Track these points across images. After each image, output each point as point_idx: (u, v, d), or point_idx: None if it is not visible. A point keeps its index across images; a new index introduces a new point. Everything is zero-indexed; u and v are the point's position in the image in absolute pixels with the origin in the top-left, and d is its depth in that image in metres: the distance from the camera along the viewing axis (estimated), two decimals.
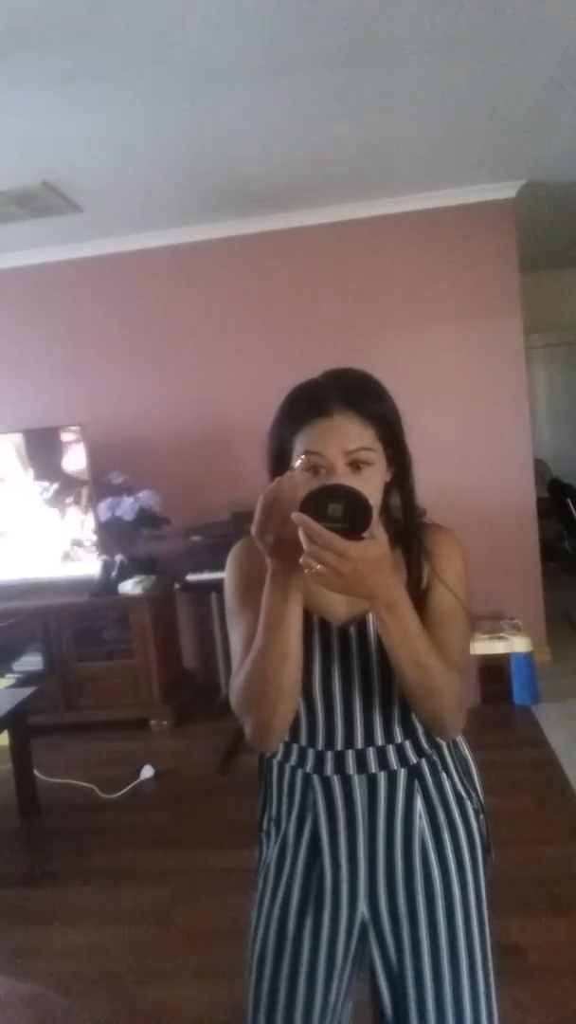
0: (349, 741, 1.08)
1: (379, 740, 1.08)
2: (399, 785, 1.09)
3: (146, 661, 3.78)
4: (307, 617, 1.04)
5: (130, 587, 3.80)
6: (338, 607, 1.07)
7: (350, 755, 1.07)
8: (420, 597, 1.05)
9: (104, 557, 3.91)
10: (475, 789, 1.18)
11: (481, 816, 1.16)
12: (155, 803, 3.08)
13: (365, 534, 0.85)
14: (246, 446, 4.25)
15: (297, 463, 1.01)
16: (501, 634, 3.72)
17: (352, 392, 1.04)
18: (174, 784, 3.19)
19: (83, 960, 2.16)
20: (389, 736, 1.08)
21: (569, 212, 4.49)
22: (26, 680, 3.79)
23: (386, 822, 1.09)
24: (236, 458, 4.18)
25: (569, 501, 5.81)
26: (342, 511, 0.85)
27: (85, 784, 3.21)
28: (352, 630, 1.06)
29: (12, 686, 3.66)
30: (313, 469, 1.00)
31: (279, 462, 1.06)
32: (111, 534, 3.93)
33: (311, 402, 1.03)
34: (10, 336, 4.37)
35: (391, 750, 1.08)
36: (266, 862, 1.15)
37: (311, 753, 1.09)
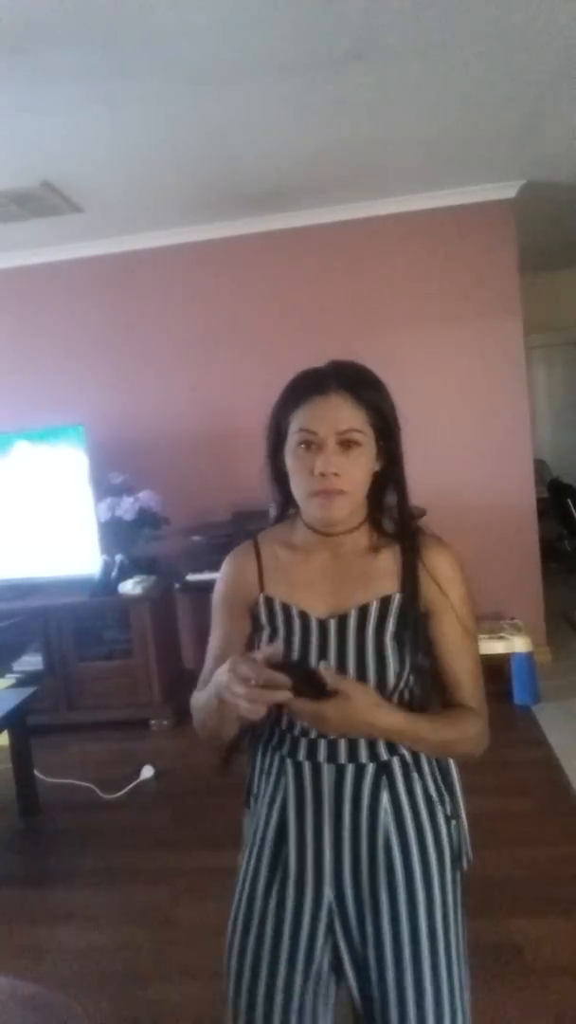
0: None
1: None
2: (366, 779, 1.10)
3: (146, 661, 3.78)
4: (289, 610, 1.13)
5: (130, 587, 3.80)
6: (319, 602, 1.12)
7: (322, 743, 1.10)
8: (425, 616, 1.11)
9: (104, 557, 3.91)
10: (451, 795, 1.17)
11: (454, 822, 1.15)
12: (155, 803, 3.08)
13: (329, 687, 0.94)
14: (246, 446, 4.24)
15: (291, 440, 1.09)
16: (501, 634, 3.72)
17: (349, 377, 1.09)
18: (174, 784, 3.19)
19: (83, 960, 2.16)
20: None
21: (569, 212, 4.49)
22: (26, 680, 3.79)
23: (351, 813, 1.10)
24: (236, 458, 4.18)
25: (569, 501, 5.81)
26: (307, 681, 0.94)
27: (85, 784, 3.21)
28: (332, 624, 1.10)
29: (12, 686, 3.66)
30: (306, 444, 1.07)
31: (276, 441, 1.13)
32: (111, 534, 3.93)
33: (310, 383, 1.10)
34: (10, 336, 4.37)
35: (362, 744, 1.10)
36: (245, 836, 1.20)
37: (288, 737, 1.13)
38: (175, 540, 4.07)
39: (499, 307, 4.05)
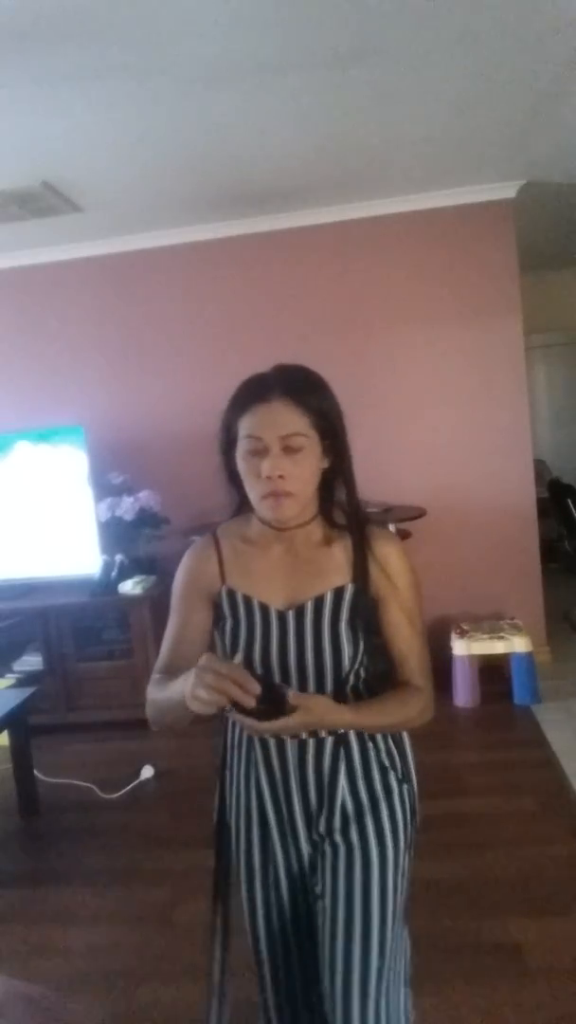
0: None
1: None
2: (325, 751, 1.22)
3: (146, 661, 3.78)
4: (250, 601, 1.21)
5: (130, 587, 3.80)
6: (277, 594, 1.21)
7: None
8: (374, 602, 1.21)
9: (104, 557, 3.91)
10: (403, 759, 1.28)
11: (405, 786, 1.27)
12: (155, 803, 3.08)
13: (289, 704, 1.01)
14: None
15: (240, 445, 1.16)
16: (501, 634, 3.72)
17: (291, 383, 1.15)
18: (174, 784, 3.19)
19: (83, 960, 2.16)
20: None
21: (569, 212, 4.49)
22: (26, 680, 3.79)
23: (315, 782, 1.23)
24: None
25: (569, 501, 5.81)
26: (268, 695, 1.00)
27: (85, 784, 3.21)
28: (290, 614, 1.19)
29: (12, 686, 3.66)
30: (253, 450, 1.13)
31: (228, 443, 1.21)
32: (111, 534, 3.93)
33: (254, 390, 1.16)
34: (10, 336, 4.37)
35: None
36: (228, 799, 1.33)
37: None
38: (175, 540, 4.06)
39: (499, 307, 4.05)
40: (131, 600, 3.79)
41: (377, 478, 4.05)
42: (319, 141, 3.15)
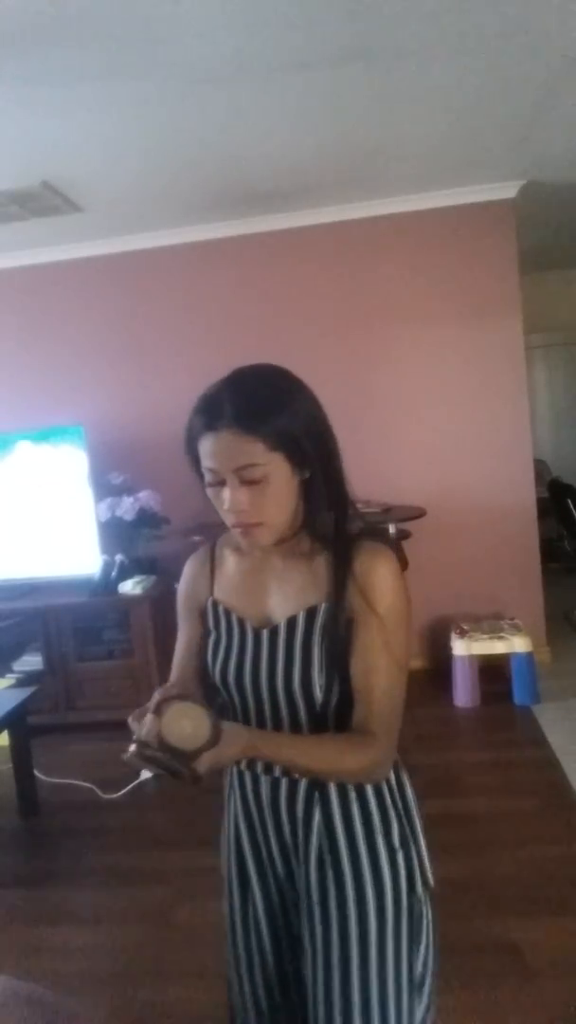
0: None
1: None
2: (299, 794, 1.10)
3: (146, 661, 3.78)
4: (230, 616, 1.13)
5: (130, 587, 3.80)
6: (255, 611, 1.12)
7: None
8: (348, 627, 1.04)
9: (104, 557, 3.91)
10: (401, 820, 1.11)
11: (401, 853, 1.09)
12: (155, 803, 3.08)
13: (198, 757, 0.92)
14: None
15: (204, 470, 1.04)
16: (501, 634, 3.72)
17: (240, 405, 0.99)
18: (174, 784, 3.18)
19: (83, 960, 2.16)
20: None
21: (569, 212, 4.49)
22: (26, 680, 3.79)
23: (289, 827, 1.11)
24: None
25: (569, 501, 5.81)
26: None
27: (85, 784, 3.21)
28: (264, 634, 1.09)
29: (12, 686, 3.66)
30: (212, 482, 1.04)
31: (196, 464, 1.06)
32: (111, 534, 3.93)
33: (203, 414, 1.02)
34: (10, 336, 4.37)
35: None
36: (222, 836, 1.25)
37: None
38: (175, 540, 4.06)
39: (499, 307, 4.05)
40: (131, 600, 3.79)
41: (377, 478, 4.08)
42: (319, 141, 3.15)
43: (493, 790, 2.89)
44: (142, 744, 0.94)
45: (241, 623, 1.12)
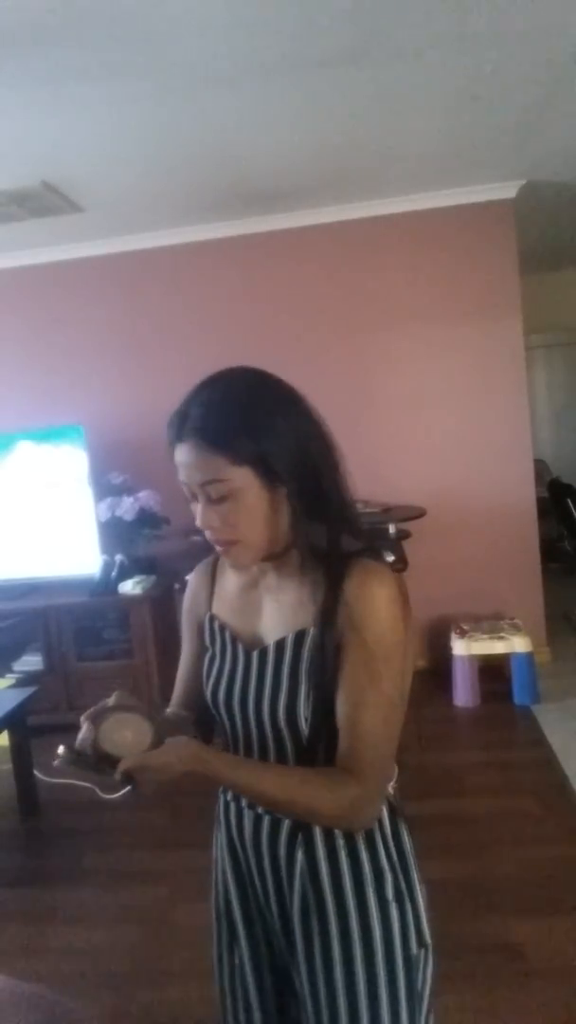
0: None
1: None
2: (281, 833, 1.02)
3: (146, 661, 3.78)
4: (224, 633, 1.07)
5: (130, 587, 3.80)
6: (248, 630, 1.05)
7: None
8: (337, 654, 0.95)
9: (104, 557, 3.91)
10: (396, 872, 1.01)
11: (394, 906, 0.99)
12: (155, 803, 3.07)
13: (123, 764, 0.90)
14: None
15: None
16: (501, 634, 3.72)
17: (200, 417, 0.95)
18: (174, 784, 3.19)
19: (83, 960, 2.16)
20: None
21: (569, 212, 4.49)
22: (26, 680, 3.79)
23: (271, 867, 1.04)
24: None
25: (569, 501, 5.82)
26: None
27: (85, 784, 3.21)
28: (255, 655, 1.02)
29: (12, 686, 3.66)
30: (187, 496, 1.00)
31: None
32: (111, 534, 3.93)
33: (170, 426, 0.99)
34: (10, 336, 4.37)
35: None
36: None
37: None
38: (175, 540, 4.06)
39: (499, 307, 4.05)
40: (131, 600, 3.79)
41: (377, 478, 4.08)
42: (319, 141, 3.15)
43: (493, 790, 2.89)
44: (74, 751, 0.90)
45: (234, 642, 1.05)
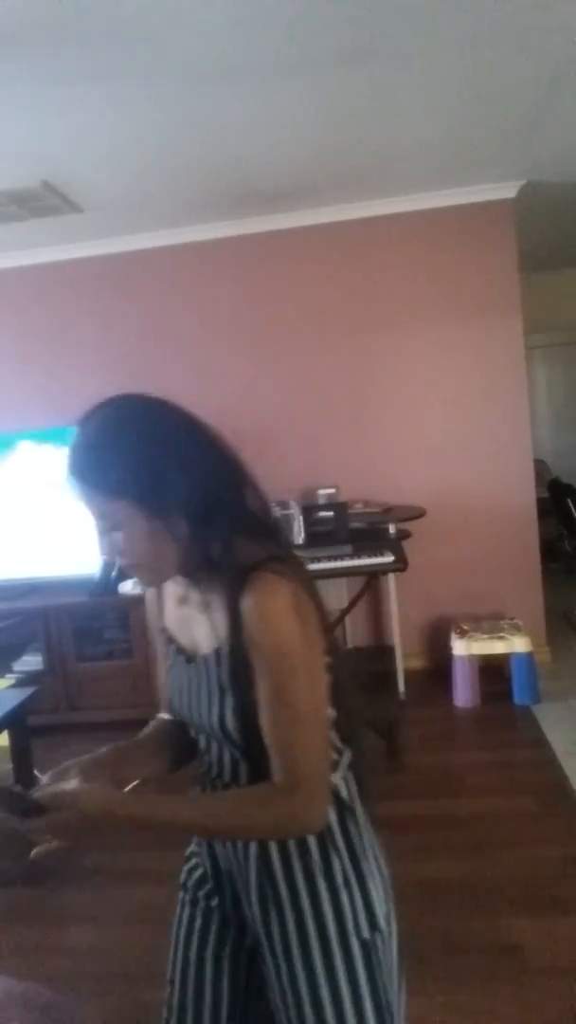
0: (208, 766, 1.09)
1: (226, 776, 1.05)
2: None
3: (146, 661, 3.78)
4: (172, 642, 1.10)
5: (130, 587, 3.80)
6: (187, 642, 1.07)
7: (207, 780, 1.10)
8: (248, 668, 0.96)
9: (104, 557, 3.90)
10: (341, 860, 1.03)
11: (344, 892, 1.02)
12: None
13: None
14: (246, 446, 4.23)
15: None
16: (501, 634, 3.72)
17: (71, 457, 1.00)
18: (174, 784, 3.19)
19: (83, 960, 2.16)
20: (235, 775, 1.04)
21: (569, 212, 4.49)
22: (26, 680, 3.79)
23: (233, 855, 1.09)
24: None
25: (569, 501, 5.81)
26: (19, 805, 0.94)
27: None
28: (193, 667, 1.04)
29: (12, 686, 3.66)
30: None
31: None
32: None
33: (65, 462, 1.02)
34: (10, 336, 4.37)
35: (208, 781, 1.09)
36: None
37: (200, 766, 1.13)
38: None
39: (499, 307, 4.05)
40: (131, 600, 3.79)
41: (377, 478, 4.08)
42: (319, 141, 3.15)
43: (493, 790, 2.89)
44: (7, 791, 0.94)
45: (179, 652, 1.08)
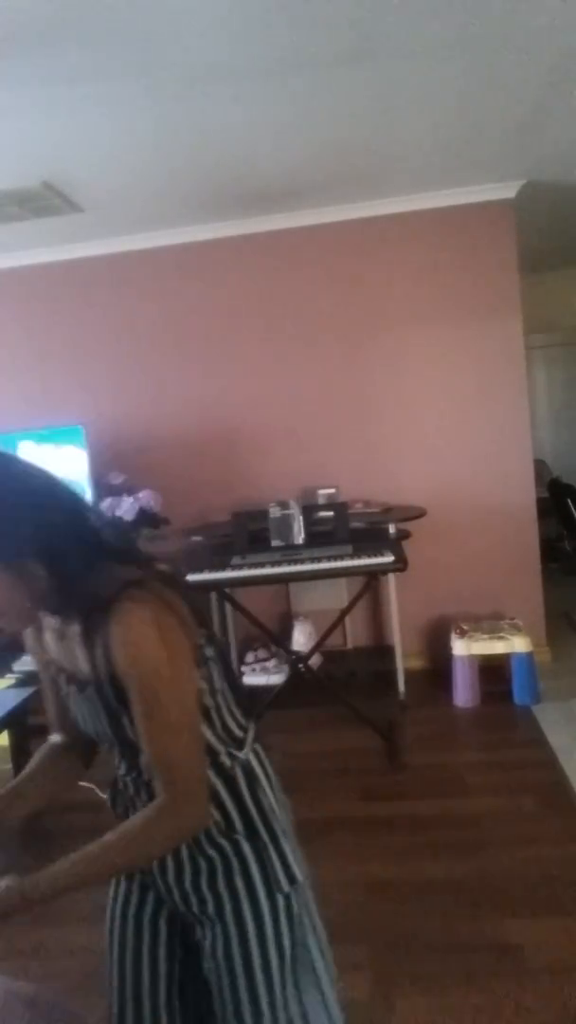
0: (123, 784, 1.19)
1: (141, 787, 1.14)
2: (141, 798, 1.15)
3: None
4: (60, 673, 1.14)
5: None
6: (71, 668, 1.11)
7: (121, 799, 1.21)
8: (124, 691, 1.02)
9: None
10: (231, 817, 1.13)
11: (247, 844, 1.13)
12: None
13: None
14: (246, 446, 4.25)
15: None
16: (501, 634, 3.72)
17: None
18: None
19: (83, 960, 2.16)
20: (130, 769, 1.14)
21: (569, 212, 4.49)
22: (26, 680, 3.78)
23: None
24: (236, 458, 4.18)
25: (569, 501, 5.82)
26: None
27: (85, 784, 3.20)
28: (83, 692, 1.09)
29: (12, 686, 3.66)
30: None
31: None
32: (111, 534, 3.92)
33: None
34: (10, 336, 4.37)
35: (130, 780, 1.16)
36: None
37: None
38: (175, 540, 4.06)
39: (499, 307, 4.05)
40: None
41: (377, 478, 4.08)
42: (319, 141, 3.15)
43: (493, 790, 2.89)
44: None
45: (71, 681, 1.11)
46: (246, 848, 1.13)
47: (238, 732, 1.17)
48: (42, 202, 3.44)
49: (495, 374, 4.09)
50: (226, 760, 1.13)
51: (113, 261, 4.24)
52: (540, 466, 5.47)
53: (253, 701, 1.16)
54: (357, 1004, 1.88)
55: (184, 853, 1.13)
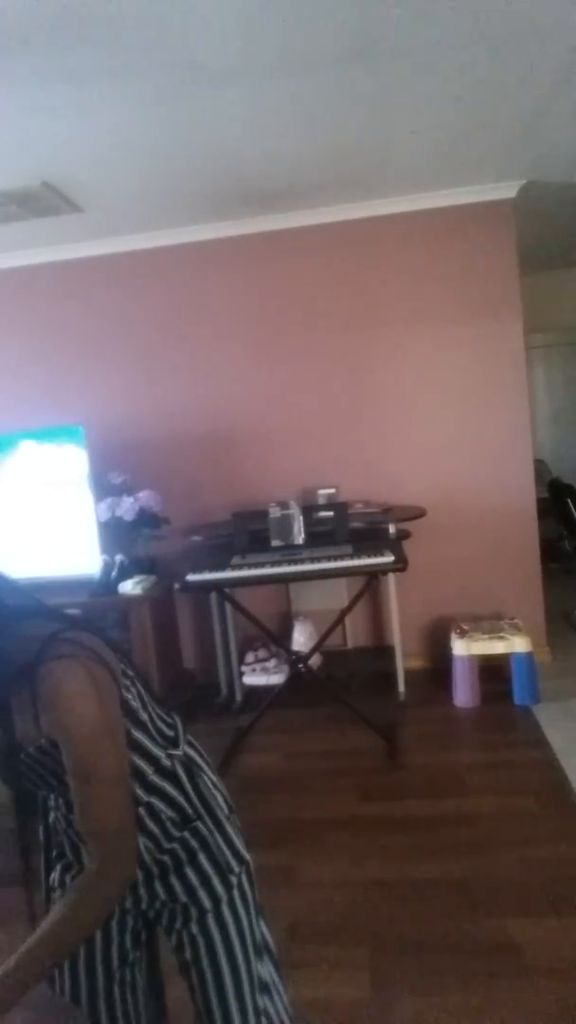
0: (59, 806, 1.27)
1: (68, 810, 1.19)
2: None
3: (146, 661, 3.78)
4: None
5: (130, 587, 3.80)
6: (20, 734, 1.09)
7: (63, 813, 1.27)
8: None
9: (104, 557, 3.91)
10: (205, 814, 1.23)
11: (199, 823, 1.22)
12: None
13: None
14: (246, 446, 4.25)
15: None
16: (501, 634, 3.72)
17: None
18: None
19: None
20: (70, 808, 1.14)
21: (569, 212, 4.49)
22: None
23: None
24: (236, 458, 4.18)
25: (569, 501, 5.81)
26: None
27: None
28: (34, 754, 1.09)
29: None
30: None
31: None
32: (111, 534, 3.93)
33: None
34: (10, 336, 4.37)
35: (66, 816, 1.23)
36: None
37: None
38: (175, 540, 4.07)
39: (499, 307, 4.05)
40: (131, 600, 3.79)
41: (377, 478, 4.08)
42: (319, 141, 3.15)
43: (493, 790, 2.89)
44: None
45: (20, 746, 1.10)
46: (203, 829, 1.22)
47: (169, 731, 1.23)
48: (42, 202, 3.44)
49: (495, 374, 4.09)
50: (167, 762, 1.20)
51: (113, 261, 4.24)
52: (540, 466, 5.47)
53: (167, 701, 1.20)
54: (357, 1004, 1.89)
55: (147, 858, 1.19)
